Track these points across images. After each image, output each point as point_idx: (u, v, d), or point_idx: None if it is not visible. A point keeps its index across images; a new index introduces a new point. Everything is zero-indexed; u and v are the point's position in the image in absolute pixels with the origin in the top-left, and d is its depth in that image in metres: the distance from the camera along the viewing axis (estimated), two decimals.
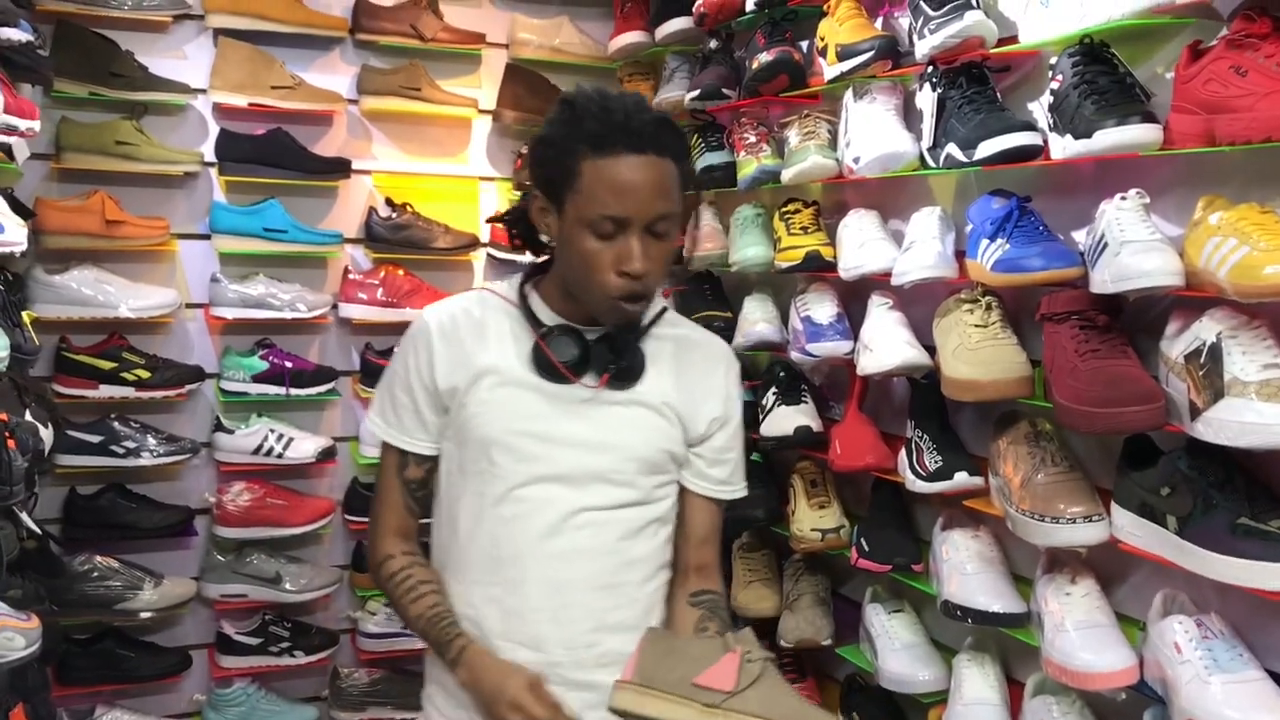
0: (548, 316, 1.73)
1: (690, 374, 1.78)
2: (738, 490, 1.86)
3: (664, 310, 1.81)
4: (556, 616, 1.68)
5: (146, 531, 3.28)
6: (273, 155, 3.32)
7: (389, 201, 3.50)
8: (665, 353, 1.77)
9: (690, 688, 1.49)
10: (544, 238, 1.73)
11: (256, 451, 3.34)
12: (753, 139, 2.81)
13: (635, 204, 1.56)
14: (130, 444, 3.21)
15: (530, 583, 1.68)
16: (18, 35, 2.29)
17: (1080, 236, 2.03)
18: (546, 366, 1.68)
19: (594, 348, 1.70)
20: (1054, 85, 1.96)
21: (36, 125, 2.20)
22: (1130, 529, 1.84)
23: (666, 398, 1.74)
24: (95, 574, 3.16)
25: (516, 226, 1.81)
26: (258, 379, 3.34)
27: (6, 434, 1.98)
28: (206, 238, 3.33)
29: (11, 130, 2.07)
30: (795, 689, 1.55)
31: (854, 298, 2.58)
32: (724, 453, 1.82)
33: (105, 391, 3.17)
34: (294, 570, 3.40)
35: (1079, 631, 1.90)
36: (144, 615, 3.21)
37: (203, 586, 3.33)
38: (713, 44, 3.01)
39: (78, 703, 3.19)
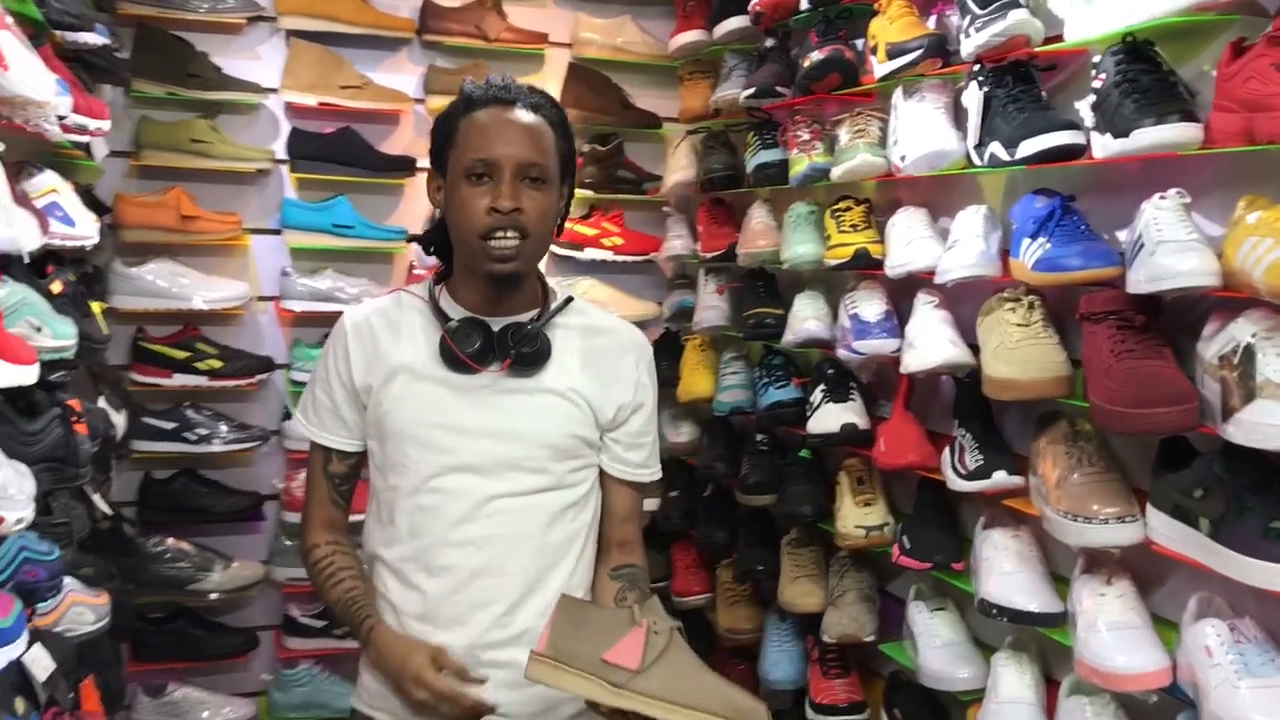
0: (455, 312, 1.79)
1: (598, 360, 1.83)
2: (654, 473, 1.92)
3: (570, 300, 1.86)
4: (473, 599, 1.74)
5: (218, 516, 3.41)
6: (341, 153, 3.42)
7: None
8: (572, 340, 1.82)
9: (599, 664, 1.54)
10: (436, 213, 1.81)
11: None
12: (805, 136, 2.82)
13: (503, 146, 1.67)
14: (203, 431, 3.34)
15: (448, 569, 1.74)
16: (95, 39, 2.40)
17: (1124, 236, 2.01)
18: (453, 359, 1.75)
19: (497, 336, 1.76)
20: (1096, 84, 1.95)
21: (106, 125, 2.30)
22: (1164, 531, 1.83)
23: (574, 383, 1.79)
24: (168, 555, 3.29)
25: (432, 236, 1.88)
26: None
27: (74, 419, 2.07)
28: (277, 233, 3.44)
29: (82, 130, 2.17)
30: (704, 665, 1.59)
31: (904, 296, 2.58)
32: (639, 437, 1.87)
33: (179, 380, 3.30)
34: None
35: (1112, 632, 1.89)
36: (213, 596, 3.34)
37: (271, 570, 3.44)
38: (769, 42, 3.02)
39: (152, 678, 3.33)
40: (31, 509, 1.79)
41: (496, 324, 1.77)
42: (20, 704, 1.85)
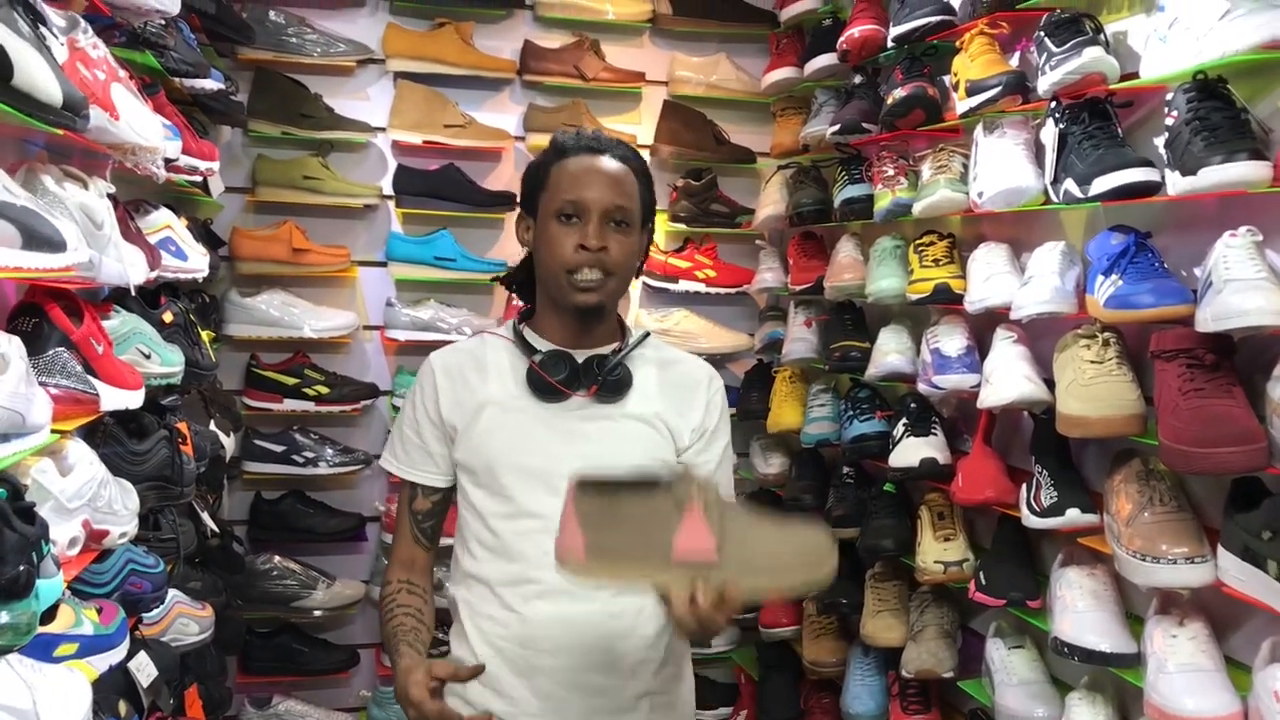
0: (541, 345, 1.88)
1: (673, 389, 1.91)
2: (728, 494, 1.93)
3: (647, 334, 1.95)
4: (572, 623, 1.77)
5: (322, 536, 3.56)
6: (445, 189, 3.56)
7: None
8: (649, 371, 1.90)
9: (669, 561, 1.45)
10: (524, 250, 1.93)
11: None
12: (890, 172, 2.85)
13: (592, 191, 1.78)
14: (310, 454, 3.50)
15: (543, 593, 1.78)
16: (211, 85, 2.57)
17: (1200, 273, 2.00)
18: (540, 386, 1.83)
19: (583, 366, 1.85)
20: (1169, 121, 1.95)
21: (215, 166, 2.47)
22: (1234, 572, 1.80)
23: (654, 410, 1.87)
24: (275, 573, 3.45)
25: (517, 275, 2.02)
26: None
27: (180, 441, 2.21)
28: (383, 265, 3.60)
29: (193, 170, 2.33)
30: (753, 513, 1.53)
31: (987, 331, 2.58)
32: (711, 453, 1.91)
33: (288, 405, 3.47)
34: None
35: (1181, 674, 1.87)
36: (317, 613, 3.49)
37: (371, 589, 3.56)
38: (857, 79, 3.07)
39: (258, 691, 3.48)
40: (135, 524, 1.92)
41: (580, 356, 1.86)
42: (123, 706, 1.97)
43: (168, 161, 2.11)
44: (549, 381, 1.82)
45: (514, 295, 3.51)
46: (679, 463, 1.88)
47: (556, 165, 1.83)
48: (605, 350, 1.88)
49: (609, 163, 1.82)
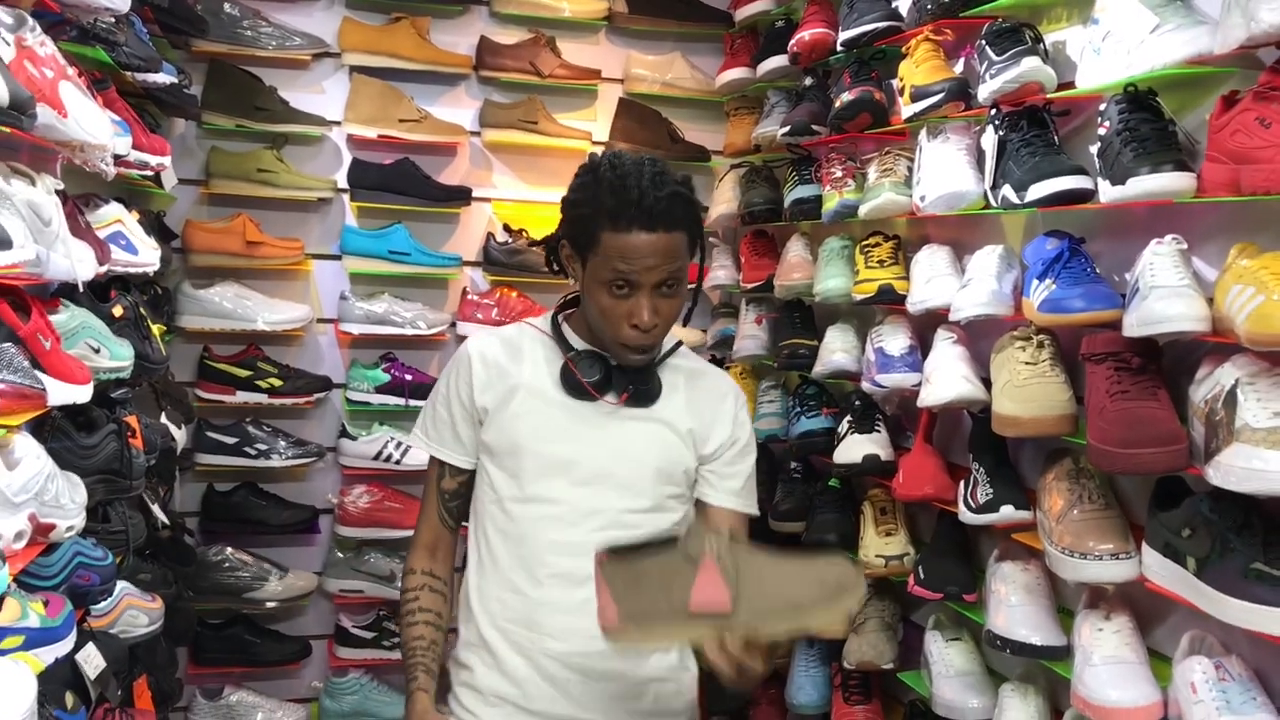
0: (577, 343, 1.92)
1: (701, 400, 1.96)
2: (752, 507, 2.01)
3: (679, 344, 1.99)
4: (580, 610, 1.79)
5: (275, 528, 3.57)
6: (400, 183, 3.57)
7: (506, 227, 3.71)
8: (679, 380, 1.96)
9: (689, 617, 1.48)
10: (571, 281, 1.91)
11: (377, 457, 3.59)
12: (839, 174, 2.90)
13: (645, 271, 1.76)
14: (262, 446, 3.50)
15: (555, 575, 1.85)
16: (163, 79, 2.57)
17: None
18: (573, 384, 1.88)
19: (615, 371, 1.89)
20: (1101, 131, 2.00)
21: (166, 160, 2.47)
22: (1156, 568, 1.87)
23: (681, 418, 1.92)
24: (227, 564, 3.46)
25: (555, 254, 1.98)
26: (380, 390, 3.59)
27: (129, 434, 2.22)
28: (337, 258, 3.61)
29: (143, 165, 2.34)
30: (770, 554, 1.53)
31: (930, 331, 2.63)
32: (736, 466, 1.97)
33: (241, 397, 3.48)
34: None
35: (1106, 666, 1.93)
36: (269, 605, 3.51)
37: (324, 581, 3.60)
38: (807, 81, 3.11)
39: (210, 682, 3.50)
40: (83, 518, 1.93)
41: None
42: (70, 699, 1.98)
43: (117, 157, 2.11)
44: (582, 382, 1.87)
45: (467, 291, 3.64)
46: (705, 469, 1.93)
47: (608, 235, 1.75)
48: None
49: (661, 238, 1.75)
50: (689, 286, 1.87)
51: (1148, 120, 1.92)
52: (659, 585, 1.50)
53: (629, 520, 1.86)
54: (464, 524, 2.02)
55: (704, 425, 1.94)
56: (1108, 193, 1.94)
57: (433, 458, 1.99)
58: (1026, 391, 2.12)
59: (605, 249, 1.76)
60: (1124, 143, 1.91)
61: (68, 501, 1.88)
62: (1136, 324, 1.82)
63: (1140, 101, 1.94)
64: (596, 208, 1.77)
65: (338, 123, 3.57)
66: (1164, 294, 1.78)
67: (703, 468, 1.95)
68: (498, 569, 1.89)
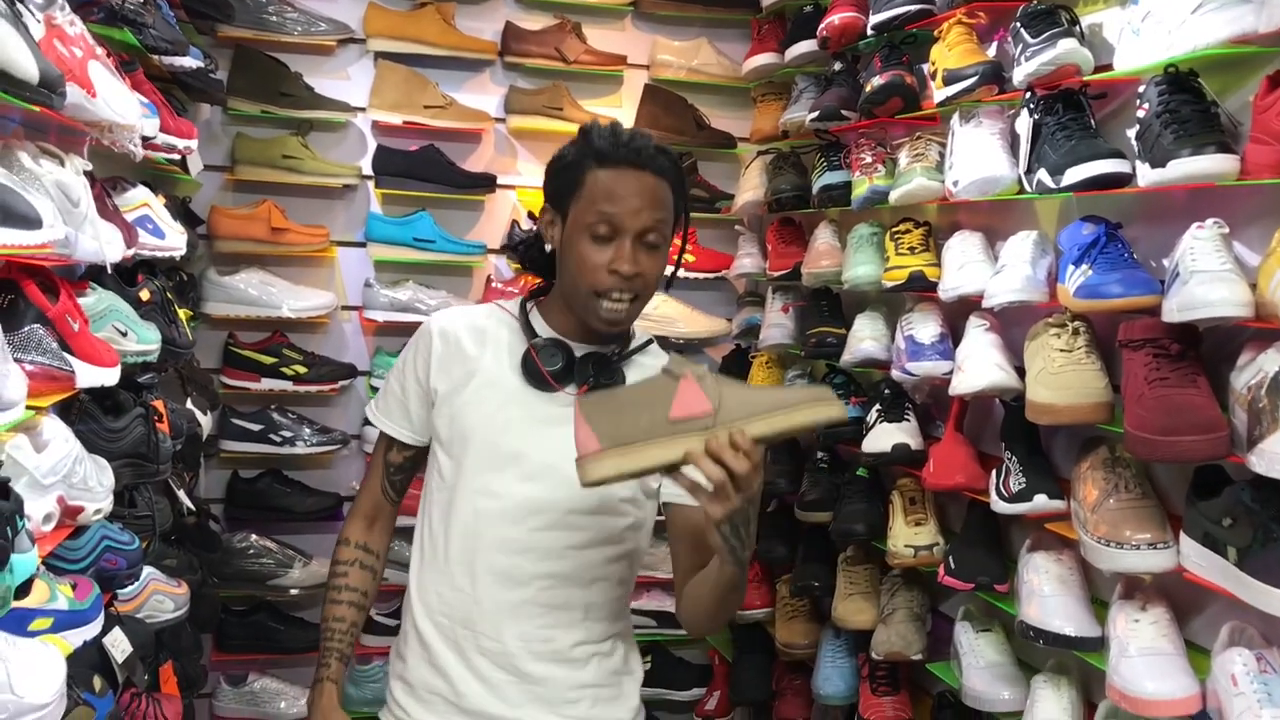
0: (543, 330, 1.85)
1: None
2: None
3: (650, 341, 1.91)
4: (515, 611, 1.77)
5: (299, 515, 3.56)
6: (424, 170, 3.56)
7: (531, 215, 3.69)
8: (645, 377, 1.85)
9: (670, 425, 1.46)
10: (548, 247, 1.84)
11: None
12: (868, 159, 2.87)
13: (629, 210, 1.70)
14: (287, 433, 3.50)
15: (492, 573, 1.78)
16: (189, 63, 2.56)
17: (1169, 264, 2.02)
18: (533, 373, 1.80)
19: (578, 362, 1.81)
20: (1140, 114, 1.97)
21: (193, 144, 2.46)
22: (1195, 558, 1.83)
23: None
24: (251, 551, 3.46)
25: (529, 252, 1.93)
26: None
27: (157, 419, 2.22)
28: (362, 245, 3.60)
29: (171, 148, 2.33)
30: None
31: (961, 318, 2.60)
32: None
33: (266, 384, 3.48)
34: None
35: (1143, 658, 1.91)
36: (293, 592, 3.50)
37: None
38: (836, 66, 3.08)
39: (234, 669, 3.50)
40: (110, 501, 1.93)
41: (579, 350, 1.82)
42: (98, 682, 1.97)
43: (145, 139, 2.10)
44: (541, 371, 1.79)
45: (491, 279, 3.63)
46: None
47: (594, 174, 1.72)
48: (607, 350, 1.84)
49: (649, 179, 1.72)
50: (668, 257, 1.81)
51: (1189, 102, 1.88)
52: (639, 408, 1.49)
53: (573, 521, 1.78)
54: (403, 497, 1.98)
55: None
56: (1147, 176, 1.90)
57: (381, 430, 1.94)
58: (1062, 379, 2.09)
59: (590, 190, 1.72)
60: (1164, 125, 1.87)
61: (96, 484, 1.87)
62: (1177, 309, 1.78)
63: (1181, 83, 1.90)
64: (584, 154, 1.74)
65: (363, 109, 3.55)
66: (1206, 279, 1.75)
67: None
68: (437, 560, 1.82)
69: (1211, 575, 1.79)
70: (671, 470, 1.48)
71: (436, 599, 1.82)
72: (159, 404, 2.34)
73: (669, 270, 1.86)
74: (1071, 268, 2.09)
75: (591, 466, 1.48)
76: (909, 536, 2.63)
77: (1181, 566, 1.87)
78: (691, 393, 1.46)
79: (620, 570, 1.87)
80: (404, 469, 1.96)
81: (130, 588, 2.28)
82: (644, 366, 1.87)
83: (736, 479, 1.43)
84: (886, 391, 2.77)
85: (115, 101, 1.78)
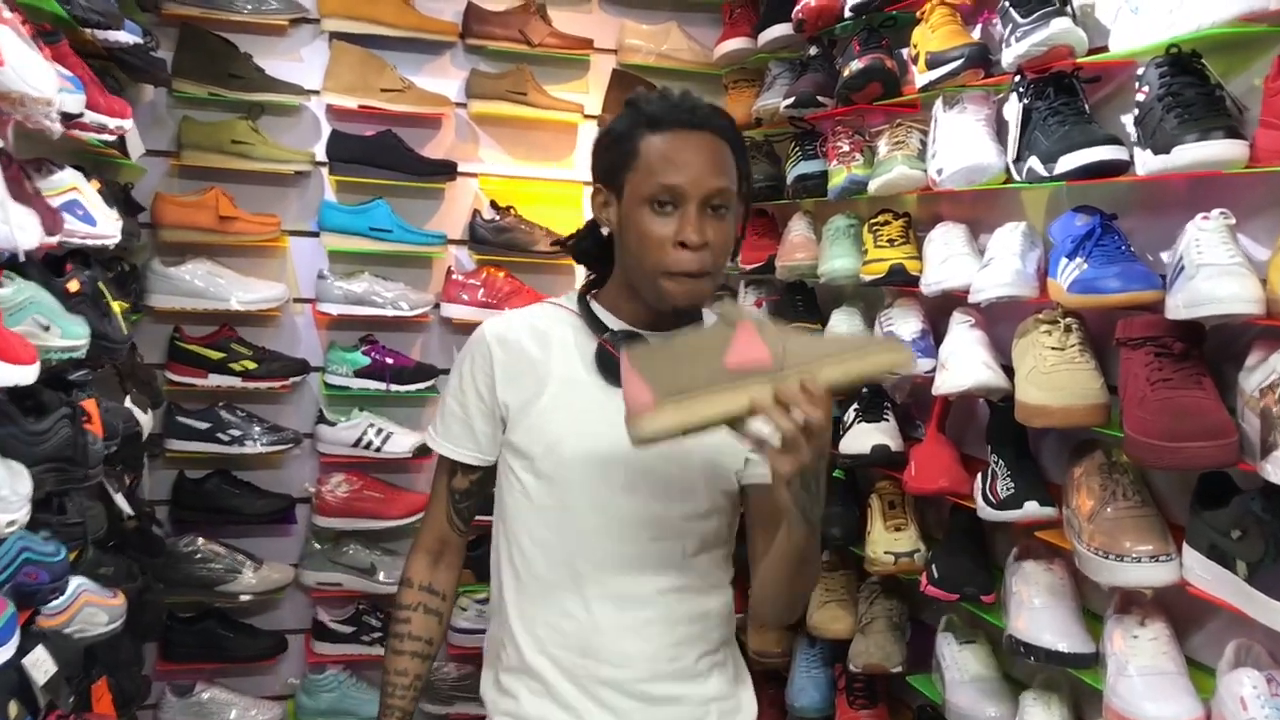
0: (611, 323, 1.70)
1: None
2: None
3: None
4: (639, 632, 1.64)
5: (249, 517, 3.40)
6: (381, 156, 3.40)
7: (493, 204, 3.54)
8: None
9: (730, 375, 1.34)
10: (604, 230, 1.70)
11: (356, 444, 3.41)
12: (846, 148, 2.74)
13: (691, 175, 1.56)
14: (236, 432, 3.34)
15: (607, 595, 1.65)
16: (125, 38, 2.40)
17: (1168, 258, 1.91)
18: (611, 369, 1.63)
19: None
20: (1139, 97, 1.85)
21: (128, 124, 2.28)
22: (1199, 571, 1.72)
23: None
24: (199, 555, 3.30)
25: (582, 243, 1.80)
26: (360, 374, 3.43)
27: (84, 419, 2.06)
28: (315, 235, 3.43)
29: (101, 128, 2.16)
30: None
31: (943, 314, 2.49)
32: None
33: (213, 381, 3.30)
34: (388, 562, 3.46)
35: (1142, 677, 1.79)
36: (244, 598, 3.34)
37: (300, 573, 3.43)
38: (812, 50, 2.95)
39: (180, 678, 3.33)
40: (26, 511, 1.76)
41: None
42: (14, 708, 1.83)
43: (71, 117, 1.94)
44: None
45: (452, 270, 3.48)
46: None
47: (648, 140, 1.59)
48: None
49: (707, 139, 1.59)
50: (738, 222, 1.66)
51: (1192, 84, 1.77)
52: (696, 357, 1.37)
53: (689, 528, 1.66)
54: (471, 525, 1.83)
55: None
56: (1148, 163, 1.78)
57: (441, 455, 1.77)
58: (1054, 379, 1.97)
59: (646, 159, 1.58)
60: (1166, 109, 1.76)
61: (9, 493, 1.71)
62: (1183, 305, 1.67)
63: (1184, 64, 1.79)
64: (634, 122, 1.61)
65: (316, 92, 3.39)
66: (1213, 273, 1.63)
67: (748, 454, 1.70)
68: (541, 589, 1.67)
69: (1218, 590, 1.68)
70: (734, 424, 1.36)
71: (547, 631, 1.67)
72: (89, 403, 2.18)
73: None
74: (1065, 261, 1.97)
75: (646, 422, 1.35)
76: (888, 542, 2.51)
77: (1185, 580, 1.76)
78: (750, 339, 1.35)
79: (730, 572, 1.76)
80: (470, 494, 1.79)
81: (56, 601, 2.11)
82: None
83: (809, 428, 1.31)
84: (864, 390, 2.65)
85: (27, 71, 1.61)
